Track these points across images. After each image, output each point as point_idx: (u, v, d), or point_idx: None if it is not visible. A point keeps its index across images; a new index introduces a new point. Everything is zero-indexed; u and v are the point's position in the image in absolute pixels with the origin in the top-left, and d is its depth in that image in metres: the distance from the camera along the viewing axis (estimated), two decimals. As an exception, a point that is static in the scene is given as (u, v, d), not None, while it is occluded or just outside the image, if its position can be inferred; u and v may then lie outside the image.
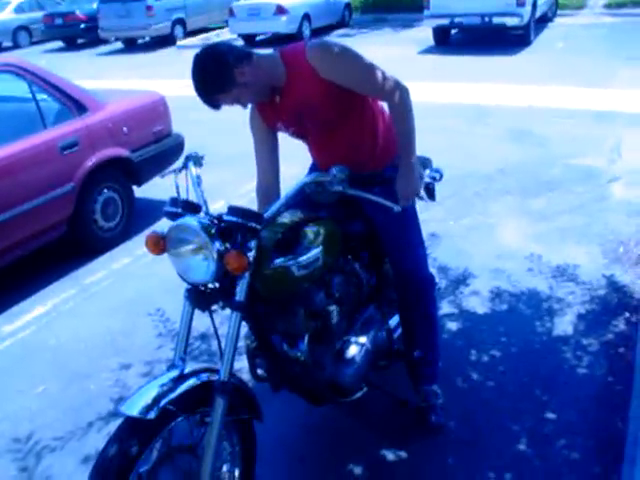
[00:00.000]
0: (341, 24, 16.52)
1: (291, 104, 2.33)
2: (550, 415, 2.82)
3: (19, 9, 19.22)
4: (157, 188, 4.95)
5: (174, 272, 2.05)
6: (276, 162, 2.56)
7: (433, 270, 2.87)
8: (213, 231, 1.92)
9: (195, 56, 2.19)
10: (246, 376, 2.67)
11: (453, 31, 13.19)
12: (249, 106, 2.40)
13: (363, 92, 2.36)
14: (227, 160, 5.83)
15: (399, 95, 2.32)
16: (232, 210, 1.97)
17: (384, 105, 2.48)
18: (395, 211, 2.15)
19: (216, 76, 2.15)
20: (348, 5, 17.16)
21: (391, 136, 2.47)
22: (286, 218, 2.24)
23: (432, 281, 2.72)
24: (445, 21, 12.33)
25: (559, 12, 15.30)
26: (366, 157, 2.48)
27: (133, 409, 1.83)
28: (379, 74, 2.30)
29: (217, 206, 2.20)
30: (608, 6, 15.97)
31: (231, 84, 2.16)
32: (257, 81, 2.22)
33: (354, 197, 2.23)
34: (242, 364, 2.66)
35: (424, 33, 13.19)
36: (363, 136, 2.46)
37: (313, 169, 2.65)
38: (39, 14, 18.68)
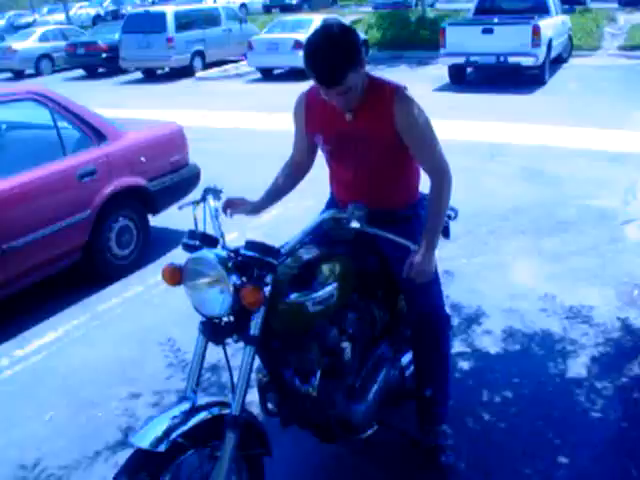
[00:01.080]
0: (358, 60, 16.71)
1: (353, 127, 2.35)
2: (563, 459, 2.78)
3: (43, 38, 19.72)
4: (172, 217, 5.00)
5: (186, 302, 2.06)
6: (306, 151, 2.64)
7: (447, 308, 2.86)
8: (230, 265, 1.94)
9: (327, 26, 2.14)
10: (256, 409, 2.66)
11: (468, 69, 13.32)
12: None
13: (418, 158, 2.42)
14: (242, 191, 5.80)
15: (445, 179, 2.39)
16: (250, 244, 1.99)
17: None
18: (412, 250, 2.16)
19: (351, 51, 2.13)
20: (365, 41, 17.42)
21: (416, 183, 2.57)
22: (302, 254, 2.25)
23: (448, 321, 2.71)
24: (461, 60, 12.47)
25: (574, 53, 15.42)
26: (388, 198, 2.51)
27: (144, 441, 1.83)
28: (440, 152, 2.39)
29: (231, 237, 2.22)
30: (622, 48, 16.12)
31: (359, 66, 2.15)
32: (359, 84, 2.24)
33: (371, 234, 2.24)
34: (253, 397, 2.64)
35: (440, 71, 13.34)
36: (394, 182, 2.50)
37: (330, 205, 2.67)
38: (62, 43, 19.14)
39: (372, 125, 2.32)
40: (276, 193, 2.67)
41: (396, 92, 2.32)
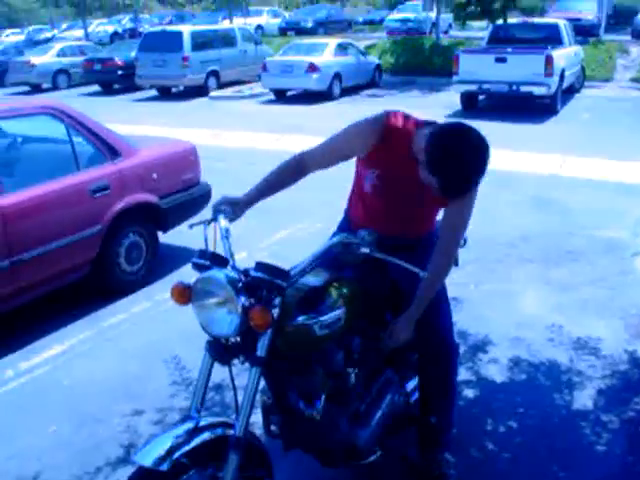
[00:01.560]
0: (371, 84, 16.89)
1: (416, 176, 2.26)
2: (567, 493, 2.75)
3: (61, 53, 19.99)
4: (182, 235, 5.02)
5: (193, 320, 2.07)
6: (329, 165, 2.53)
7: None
8: (239, 286, 1.95)
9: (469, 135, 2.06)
10: (259, 431, 2.65)
11: (481, 97, 13.40)
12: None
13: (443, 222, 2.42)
14: (251, 212, 5.91)
15: (456, 240, 2.41)
16: (259, 266, 1.99)
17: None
18: (421, 277, 2.16)
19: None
20: (378, 66, 17.58)
21: (436, 214, 2.57)
22: (311, 277, 2.26)
23: (456, 350, 2.71)
24: (473, 87, 12.55)
25: (586, 84, 15.49)
26: (410, 228, 2.52)
27: (146, 459, 1.83)
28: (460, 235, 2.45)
29: (240, 257, 2.22)
30: (635, 80, 16.17)
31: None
32: None
33: (380, 259, 2.24)
34: (255, 418, 2.64)
35: (452, 97, 13.42)
36: (419, 215, 2.52)
37: (343, 225, 2.68)
38: (79, 59, 19.40)
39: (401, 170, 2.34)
40: (277, 187, 2.53)
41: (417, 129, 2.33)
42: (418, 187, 2.28)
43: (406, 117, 2.38)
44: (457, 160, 1.99)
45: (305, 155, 2.52)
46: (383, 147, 2.33)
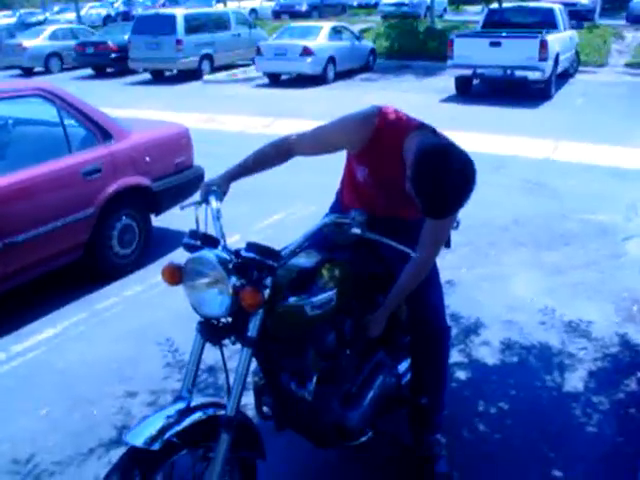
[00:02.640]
0: (365, 68, 16.81)
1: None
2: (556, 473, 2.78)
3: (53, 36, 19.78)
4: (174, 218, 5.01)
5: (185, 303, 2.07)
6: (315, 154, 2.53)
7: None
8: (230, 266, 1.94)
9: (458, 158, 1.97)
10: (251, 412, 2.66)
11: (475, 81, 13.36)
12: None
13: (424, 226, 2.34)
14: (244, 194, 5.85)
15: (427, 260, 2.37)
16: (250, 246, 1.99)
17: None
18: (412, 257, 2.16)
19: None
20: (373, 50, 17.48)
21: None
22: (302, 258, 2.26)
23: (448, 332, 2.71)
24: (468, 71, 12.50)
25: (580, 68, 15.47)
26: (402, 209, 2.49)
27: (138, 439, 1.83)
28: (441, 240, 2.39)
29: (232, 240, 2.22)
30: (629, 65, 16.16)
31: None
32: None
33: (372, 240, 2.24)
34: (248, 400, 2.65)
35: (446, 82, 13.38)
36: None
37: (335, 208, 2.68)
38: (72, 42, 19.21)
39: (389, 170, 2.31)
40: (261, 166, 2.50)
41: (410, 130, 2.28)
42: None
43: (398, 116, 2.31)
44: (439, 187, 1.92)
45: (293, 139, 2.49)
46: (372, 147, 2.29)
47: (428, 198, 1.95)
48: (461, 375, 3.49)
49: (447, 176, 1.91)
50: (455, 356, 3.63)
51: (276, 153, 2.50)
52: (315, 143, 2.48)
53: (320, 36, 15.49)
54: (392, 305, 2.47)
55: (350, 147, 2.38)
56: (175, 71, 16.98)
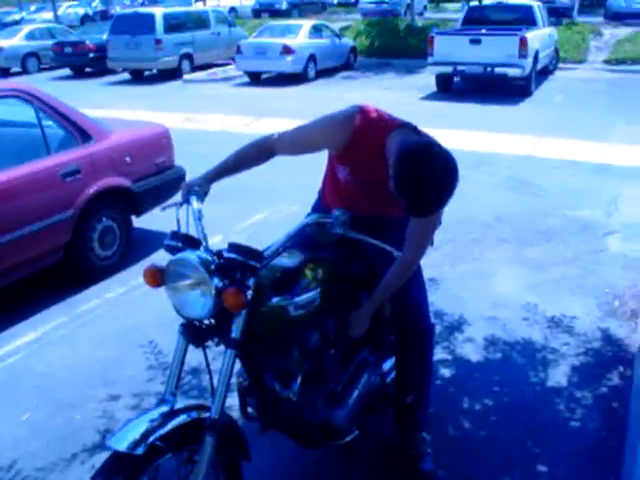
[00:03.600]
0: (346, 66, 16.81)
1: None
2: (541, 468, 2.79)
3: (30, 36, 19.53)
4: (156, 219, 4.96)
5: (168, 304, 2.04)
6: (296, 154, 2.54)
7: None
8: (212, 267, 1.92)
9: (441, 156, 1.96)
10: (236, 413, 2.64)
11: (456, 79, 13.41)
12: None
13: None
14: (226, 195, 5.83)
15: (414, 260, 2.37)
16: (232, 247, 1.97)
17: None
18: (395, 256, 2.16)
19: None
20: (353, 48, 17.49)
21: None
22: (285, 258, 2.24)
23: (432, 329, 2.71)
24: (448, 69, 12.55)
25: (560, 65, 15.61)
26: (384, 208, 2.48)
27: (121, 444, 1.80)
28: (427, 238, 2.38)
29: (214, 241, 2.20)
30: (607, 62, 16.31)
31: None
32: None
33: (354, 239, 2.23)
34: (232, 401, 2.63)
35: (427, 79, 13.42)
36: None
37: (316, 208, 2.66)
38: (49, 42, 18.98)
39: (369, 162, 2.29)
40: (243, 166, 2.49)
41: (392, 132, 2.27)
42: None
43: (379, 115, 2.30)
44: (422, 185, 1.91)
45: (274, 139, 2.48)
46: (354, 146, 2.28)
47: (411, 197, 1.95)
48: (446, 372, 3.50)
49: (430, 174, 1.91)
50: (439, 353, 3.63)
51: (257, 153, 2.49)
52: (296, 143, 2.47)
53: (300, 34, 15.46)
54: (376, 303, 2.46)
55: (331, 147, 2.37)
56: (155, 71, 16.85)
